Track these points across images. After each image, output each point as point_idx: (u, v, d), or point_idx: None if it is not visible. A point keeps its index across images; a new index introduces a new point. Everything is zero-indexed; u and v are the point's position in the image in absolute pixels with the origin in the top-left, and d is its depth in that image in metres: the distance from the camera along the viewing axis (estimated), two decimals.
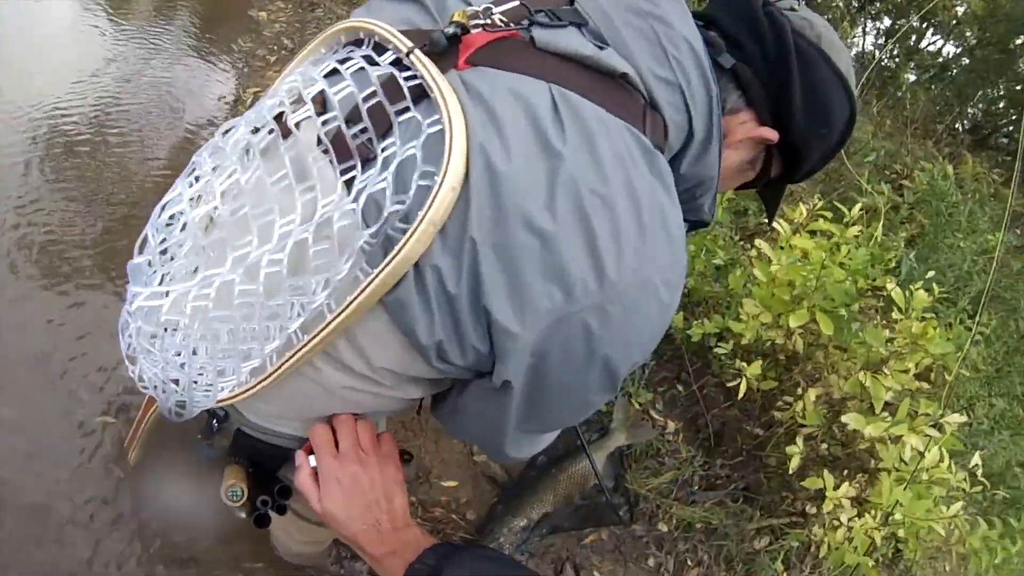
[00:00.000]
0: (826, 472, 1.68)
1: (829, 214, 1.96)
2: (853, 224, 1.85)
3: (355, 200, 0.69)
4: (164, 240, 0.77)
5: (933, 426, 1.56)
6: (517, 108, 0.70)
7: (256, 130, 0.75)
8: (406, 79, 0.70)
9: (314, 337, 0.73)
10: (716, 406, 2.27)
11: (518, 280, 0.67)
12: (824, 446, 1.90)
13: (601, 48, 0.77)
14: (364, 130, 0.70)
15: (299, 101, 0.73)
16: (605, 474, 2.02)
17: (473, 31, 0.75)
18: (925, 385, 1.76)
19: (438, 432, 2.01)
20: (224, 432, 1.01)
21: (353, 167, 0.70)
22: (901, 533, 1.62)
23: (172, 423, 0.90)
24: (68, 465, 1.61)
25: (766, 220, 2.69)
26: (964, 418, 1.60)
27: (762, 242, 1.94)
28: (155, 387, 0.84)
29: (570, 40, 0.77)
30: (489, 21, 0.76)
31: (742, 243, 2.60)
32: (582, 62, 0.75)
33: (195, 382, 0.82)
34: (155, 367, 0.82)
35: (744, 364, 1.88)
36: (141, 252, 0.78)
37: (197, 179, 0.77)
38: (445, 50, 0.73)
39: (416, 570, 0.80)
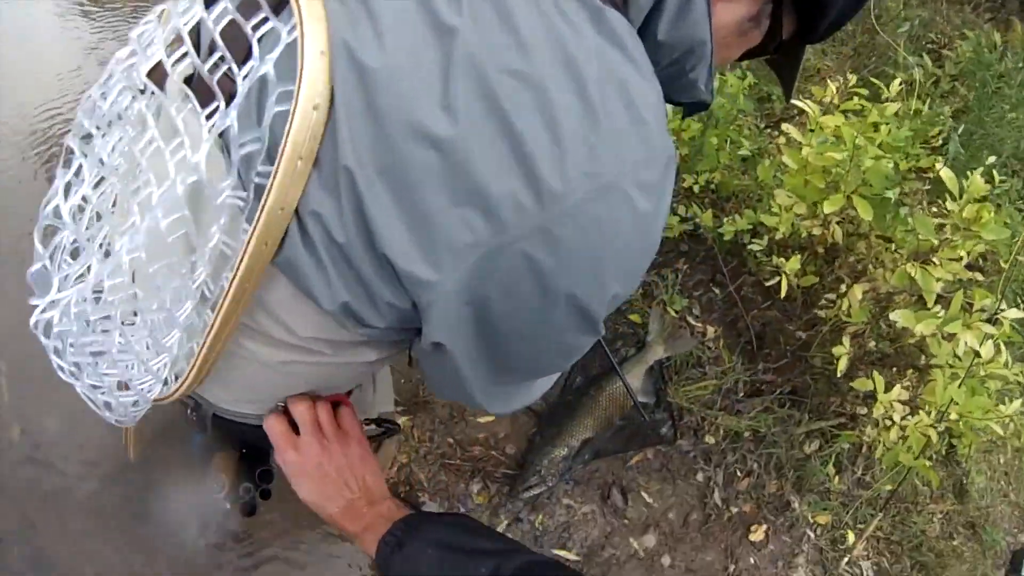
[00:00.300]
0: (876, 374, 1.49)
1: (864, 91, 1.70)
2: (891, 101, 1.59)
3: (196, 150, 0.51)
4: (58, 240, 0.62)
5: (988, 320, 1.35)
6: None
7: (109, 94, 0.58)
8: None
9: (216, 317, 0.57)
10: (755, 307, 2.07)
11: (418, 212, 0.49)
12: (872, 343, 1.70)
13: None
14: (223, 59, 0.51)
15: (152, 46, 0.56)
16: (645, 390, 1.86)
17: None
18: (978, 276, 1.53)
19: None
20: (205, 418, 0.90)
21: (218, 108, 0.51)
22: (961, 427, 1.44)
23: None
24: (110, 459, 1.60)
25: (793, 103, 2.41)
26: (1022, 313, 1.37)
27: (790, 127, 1.69)
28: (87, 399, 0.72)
29: None
30: None
31: (768, 131, 2.30)
32: None
33: (137, 387, 0.69)
34: (79, 380, 0.69)
35: (782, 260, 1.67)
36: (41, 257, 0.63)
37: (70, 165, 0.61)
38: None
39: (386, 542, 0.75)
